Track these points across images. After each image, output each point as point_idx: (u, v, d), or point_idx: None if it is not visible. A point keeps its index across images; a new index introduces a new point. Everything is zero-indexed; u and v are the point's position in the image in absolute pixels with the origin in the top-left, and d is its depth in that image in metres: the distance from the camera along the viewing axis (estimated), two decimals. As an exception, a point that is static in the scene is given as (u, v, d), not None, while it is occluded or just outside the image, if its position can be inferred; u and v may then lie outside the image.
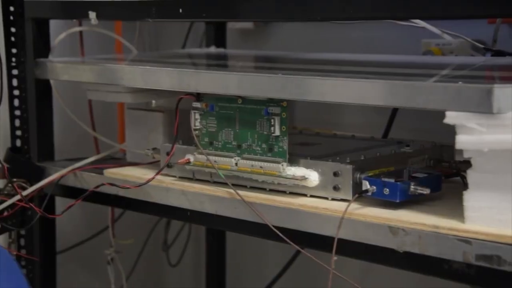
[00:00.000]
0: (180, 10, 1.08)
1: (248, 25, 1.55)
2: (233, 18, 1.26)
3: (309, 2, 0.95)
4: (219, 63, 1.38)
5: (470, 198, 0.81)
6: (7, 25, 1.25)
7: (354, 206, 0.89)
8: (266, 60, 1.38)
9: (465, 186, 0.82)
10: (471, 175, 0.81)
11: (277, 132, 0.96)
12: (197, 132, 1.04)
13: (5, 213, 1.19)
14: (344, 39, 1.42)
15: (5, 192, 1.23)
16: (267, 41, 1.55)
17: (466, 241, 0.79)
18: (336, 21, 1.27)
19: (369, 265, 1.35)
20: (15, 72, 1.29)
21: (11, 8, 1.25)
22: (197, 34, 1.61)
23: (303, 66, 1.25)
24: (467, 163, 0.81)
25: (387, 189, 0.88)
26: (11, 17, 1.25)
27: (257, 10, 1.03)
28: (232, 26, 1.56)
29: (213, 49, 1.51)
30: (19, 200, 1.16)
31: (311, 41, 1.48)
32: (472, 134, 0.78)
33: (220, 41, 1.54)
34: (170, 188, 1.05)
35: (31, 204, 1.15)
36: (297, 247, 0.93)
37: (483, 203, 0.80)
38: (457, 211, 0.83)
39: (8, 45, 1.26)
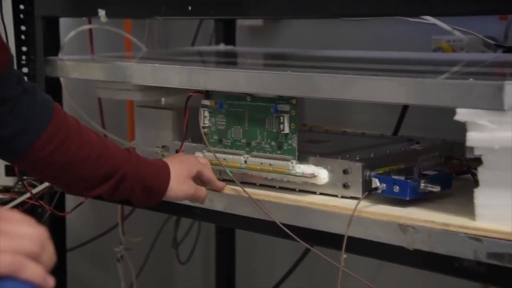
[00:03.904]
0: (189, 8, 1.08)
1: (258, 22, 1.55)
2: (242, 15, 1.26)
3: (318, -1, 0.95)
4: (229, 60, 1.38)
5: (481, 196, 0.80)
6: (17, 23, 1.26)
7: (363, 203, 0.89)
8: (275, 58, 1.37)
9: (476, 183, 0.82)
10: (482, 173, 0.80)
11: (287, 130, 0.96)
12: (206, 130, 1.04)
13: (15, 210, 1.19)
14: (353, 36, 1.41)
15: (16, 190, 1.23)
16: (277, 38, 1.55)
17: (477, 239, 0.78)
18: (345, 18, 1.27)
19: (379, 263, 1.35)
20: (25, 70, 1.30)
21: (21, 6, 1.26)
22: (207, 32, 1.61)
23: (313, 63, 1.25)
24: (478, 161, 0.80)
25: (397, 187, 0.87)
26: (21, 15, 1.26)
27: (266, 7, 1.03)
28: (242, 23, 1.56)
29: (222, 47, 1.51)
30: (29, 198, 1.16)
31: (320, 38, 1.48)
32: (483, 131, 0.77)
33: (229, 39, 1.54)
34: (179, 186, 1.05)
35: (41, 202, 1.16)
36: (306, 245, 0.92)
37: (494, 200, 0.80)
38: (468, 208, 0.82)
39: (19, 43, 1.27)
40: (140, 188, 0.95)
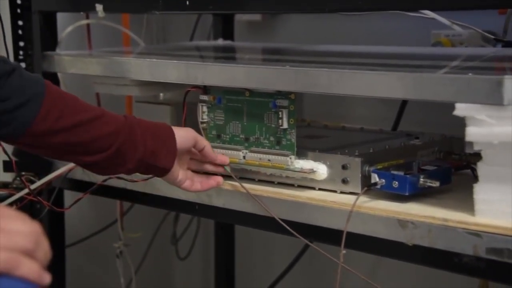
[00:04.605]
0: (187, 2, 1.08)
1: (256, 17, 1.54)
2: (240, 10, 1.25)
3: (317, -6, 0.94)
4: (227, 55, 1.37)
5: (480, 191, 0.80)
6: (14, 18, 1.25)
7: (362, 199, 0.88)
8: (273, 53, 1.37)
9: (475, 178, 0.81)
10: (481, 168, 0.80)
11: (285, 125, 0.96)
12: (204, 125, 1.03)
13: (14, 207, 1.19)
14: (352, 30, 1.40)
15: (14, 186, 1.23)
16: (275, 33, 1.54)
17: (476, 234, 0.78)
18: (344, 12, 1.26)
19: (379, 258, 1.35)
20: (22, 65, 1.29)
21: (18, 1, 1.25)
22: (205, 27, 1.61)
23: (311, 58, 1.24)
24: (477, 156, 0.80)
25: (396, 182, 0.87)
26: (18, 10, 1.25)
27: (264, 2, 1.03)
28: (240, 18, 1.55)
29: (220, 42, 1.50)
30: (27, 194, 1.16)
31: (319, 33, 1.47)
32: (482, 126, 0.77)
33: (227, 34, 1.53)
34: (177, 182, 1.04)
35: (39, 198, 1.15)
36: (305, 241, 0.92)
37: (493, 196, 0.79)
38: (467, 204, 0.82)
39: (16, 38, 1.26)
40: (151, 136, 0.93)
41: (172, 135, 0.94)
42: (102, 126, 0.91)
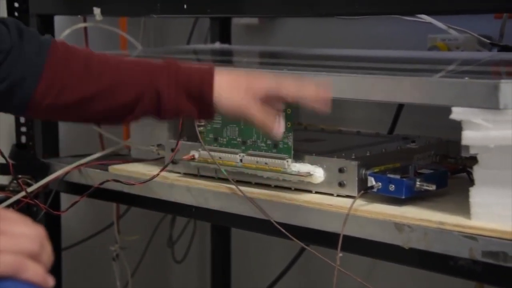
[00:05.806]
0: (185, 6, 1.08)
1: (253, 20, 1.55)
2: (237, 13, 1.25)
3: (314, -2, 0.95)
4: (224, 59, 1.38)
5: (476, 195, 0.81)
6: (11, 21, 1.25)
7: (359, 202, 0.89)
8: (271, 56, 1.37)
9: (471, 182, 0.82)
10: (477, 171, 0.80)
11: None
12: (201, 128, 1.04)
13: (11, 210, 1.19)
14: (349, 34, 1.41)
15: (10, 189, 1.23)
16: (272, 37, 1.55)
17: (472, 237, 0.78)
18: (341, 16, 1.27)
19: (375, 261, 1.35)
20: (20, 68, 1.29)
21: (16, 4, 1.25)
22: (202, 30, 1.61)
23: (308, 62, 1.25)
24: (474, 159, 0.80)
25: (393, 186, 0.87)
26: (16, 13, 1.25)
27: (262, 6, 1.03)
28: (237, 21, 1.56)
29: (218, 45, 1.51)
30: (24, 197, 1.16)
31: (316, 37, 1.47)
32: (478, 130, 0.77)
33: (225, 37, 1.53)
34: (174, 185, 1.05)
35: (36, 201, 1.15)
36: (301, 244, 0.92)
37: (489, 199, 0.80)
38: (463, 207, 0.82)
39: (13, 41, 1.26)
40: (185, 98, 0.87)
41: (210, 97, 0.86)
42: (115, 98, 0.86)
